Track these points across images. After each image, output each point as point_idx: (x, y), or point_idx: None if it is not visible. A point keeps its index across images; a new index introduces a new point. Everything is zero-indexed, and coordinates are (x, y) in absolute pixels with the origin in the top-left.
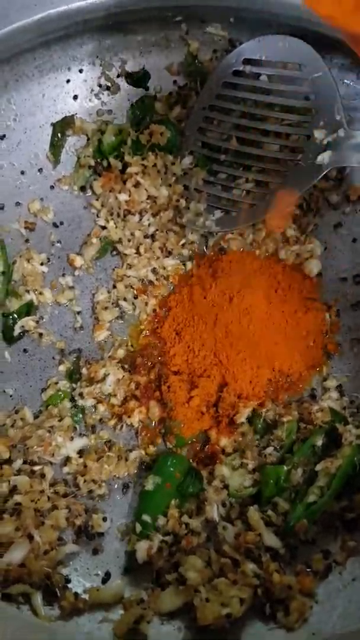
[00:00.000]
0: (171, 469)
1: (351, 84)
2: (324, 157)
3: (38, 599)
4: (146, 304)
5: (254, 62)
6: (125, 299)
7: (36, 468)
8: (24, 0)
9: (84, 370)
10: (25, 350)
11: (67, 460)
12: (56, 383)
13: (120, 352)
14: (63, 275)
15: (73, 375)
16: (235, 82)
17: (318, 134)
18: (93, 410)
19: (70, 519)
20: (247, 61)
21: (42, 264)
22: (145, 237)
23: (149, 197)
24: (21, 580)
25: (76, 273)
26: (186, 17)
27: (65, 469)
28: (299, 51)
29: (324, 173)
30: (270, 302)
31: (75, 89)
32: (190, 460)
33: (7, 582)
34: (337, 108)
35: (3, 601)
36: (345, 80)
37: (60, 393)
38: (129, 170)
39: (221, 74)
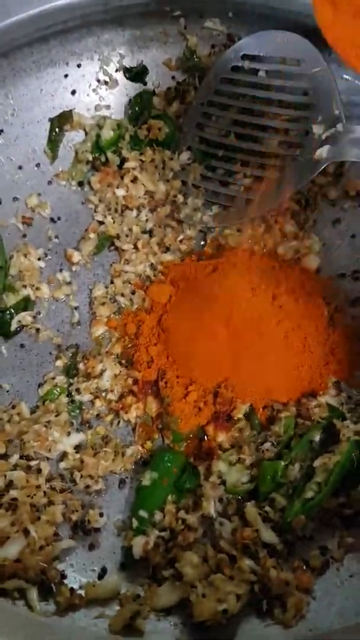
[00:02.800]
0: (168, 465)
1: (350, 79)
2: (322, 152)
3: (34, 594)
4: (144, 299)
5: (253, 57)
6: (122, 295)
7: (32, 463)
8: None
9: (81, 366)
10: (22, 346)
11: (63, 455)
12: (53, 378)
13: (118, 348)
14: (60, 270)
15: (70, 371)
16: (234, 78)
17: (316, 129)
18: (90, 405)
19: (67, 514)
20: (246, 56)
21: (39, 259)
22: (143, 232)
23: (146, 192)
24: (16, 576)
25: (73, 268)
26: (185, 12)
27: (62, 464)
28: (298, 46)
29: (322, 168)
30: (272, 300)
31: (74, 83)
32: (188, 456)
33: (2, 577)
34: (335, 103)
35: None
36: (344, 76)
37: (57, 388)
38: (126, 165)
39: (220, 70)
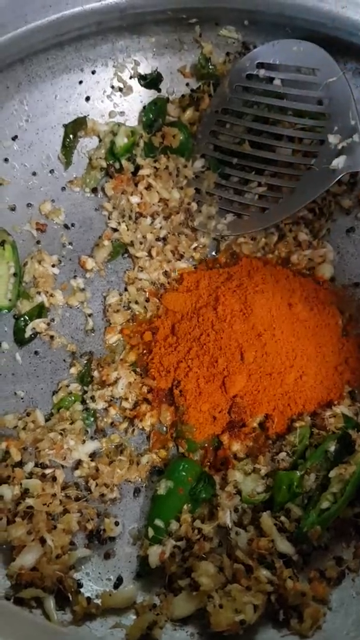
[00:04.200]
0: (183, 474)
1: None
2: (338, 162)
3: (51, 603)
4: (158, 307)
5: (268, 65)
6: (137, 302)
7: (47, 471)
8: (40, 0)
9: (95, 373)
10: (36, 353)
11: (78, 463)
12: (67, 386)
13: (132, 356)
14: (74, 277)
15: (84, 378)
16: (249, 86)
17: (332, 139)
18: (104, 413)
19: (82, 523)
20: (261, 65)
21: (53, 265)
22: (157, 239)
23: (160, 199)
24: (33, 584)
25: (87, 275)
26: (200, 19)
27: (77, 473)
28: (314, 55)
29: (338, 178)
30: (287, 311)
31: (88, 90)
32: (203, 465)
33: (19, 586)
34: (351, 113)
35: (16, 605)
36: None
37: (71, 396)
38: (140, 172)
39: (234, 77)
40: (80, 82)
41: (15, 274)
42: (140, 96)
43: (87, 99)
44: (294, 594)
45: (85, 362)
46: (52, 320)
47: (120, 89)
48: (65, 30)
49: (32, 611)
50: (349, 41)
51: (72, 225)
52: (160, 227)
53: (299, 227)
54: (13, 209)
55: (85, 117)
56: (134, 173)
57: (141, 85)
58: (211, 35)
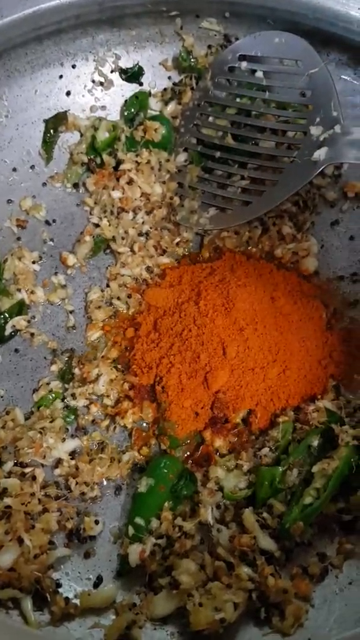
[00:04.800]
0: (165, 471)
1: (348, 79)
2: (320, 154)
3: (28, 604)
4: (140, 303)
5: (250, 58)
6: (119, 298)
7: (27, 470)
8: None
9: (76, 371)
10: (16, 350)
11: (58, 462)
12: (48, 384)
13: (114, 352)
14: (55, 273)
15: (65, 376)
16: (231, 79)
17: (314, 131)
18: (85, 411)
19: (62, 522)
20: (243, 57)
21: (33, 262)
22: (139, 235)
23: (142, 194)
24: (11, 585)
25: (69, 272)
26: (181, 12)
27: (57, 471)
28: (296, 47)
29: (320, 170)
30: (270, 305)
31: (68, 84)
32: (185, 462)
33: None
34: (334, 104)
35: None
36: (342, 76)
37: (52, 394)
38: (122, 167)
39: (216, 70)
40: (61, 76)
41: None
42: (122, 90)
43: (68, 93)
44: (275, 591)
45: (66, 359)
46: (33, 317)
47: (101, 83)
48: (43, 24)
49: (9, 612)
50: (331, 32)
51: (54, 221)
52: (143, 222)
53: (282, 220)
54: None
55: (66, 112)
56: (116, 168)
57: (122, 79)
58: (192, 27)
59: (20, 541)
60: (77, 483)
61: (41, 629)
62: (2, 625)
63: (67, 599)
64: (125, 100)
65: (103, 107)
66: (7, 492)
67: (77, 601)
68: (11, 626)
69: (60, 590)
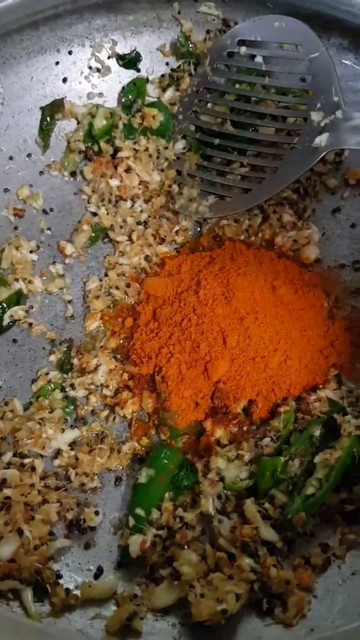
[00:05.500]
0: (165, 461)
1: (349, 64)
2: (321, 140)
3: (28, 595)
4: (139, 292)
5: (250, 43)
6: (117, 287)
7: (26, 461)
8: None
9: (75, 361)
10: (14, 341)
11: (58, 452)
12: (47, 374)
13: (113, 342)
14: (53, 263)
15: (64, 366)
16: (230, 64)
17: (315, 116)
18: (85, 401)
19: (62, 512)
20: (242, 42)
21: (31, 251)
22: (138, 223)
23: (140, 182)
24: (11, 576)
25: (67, 261)
26: None
27: (56, 462)
28: (296, 31)
29: (322, 156)
30: (271, 294)
31: (65, 71)
32: (185, 452)
33: None
34: (335, 89)
35: None
36: (344, 61)
37: (50, 384)
38: (120, 154)
39: (215, 55)
40: (57, 63)
41: None
42: (119, 76)
43: (64, 80)
44: (277, 582)
45: (65, 349)
46: (31, 307)
47: (98, 70)
48: (39, 9)
49: (10, 604)
50: (331, 15)
51: (51, 210)
52: (141, 211)
53: (283, 208)
54: None
55: (62, 99)
56: (113, 155)
57: (119, 65)
58: (190, 12)
59: (20, 532)
60: (76, 474)
61: (42, 620)
62: (3, 618)
63: (67, 590)
64: (123, 87)
65: (100, 94)
66: (7, 483)
67: (77, 592)
68: (12, 619)
69: (60, 581)
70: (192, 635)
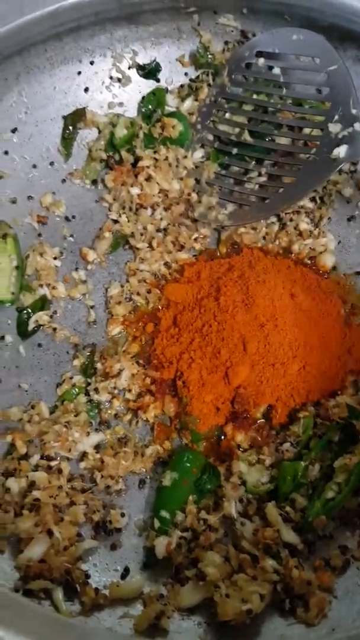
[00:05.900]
0: (187, 465)
1: None
2: (339, 151)
3: (59, 594)
4: (159, 298)
5: (268, 54)
6: (138, 293)
7: (53, 463)
8: None
9: (98, 365)
10: (39, 345)
11: (83, 455)
12: (71, 378)
13: (134, 347)
14: (76, 269)
15: (88, 370)
16: (248, 75)
17: (333, 128)
18: (108, 405)
19: (88, 514)
20: (260, 53)
21: (55, 258)
22: (158, 231)
23: (160, 190)
24: (42, 576)
25: (89, 267)
26: (198, 8)
27: (82, 465)
28: (314, 44)
29: (339, 168)
30: (290, 301)
31: (87, 81)
32: (207, 456)
33: (27, 578)
34: (352, 101)
35: (25, 597)
36: None
37: (75, 388)
38: (140, 163)
39: (233, 66)
40: (79, 73)
41: (17, 267)
42: (139, 87)
43: (86, 90)
44: (299, 583)
45: (88, 354)
46: (55, 312)
47: (119, 80)
48: (63, 21)
49: (41, 602)
50: (348, 28)
51: (73, 217)
52: (161, 218)
53: (299, 216)
54: (14, 201)
55: (84, 108)
56: (134, 164)
57: (140, 75)
58: (210, 23)
59: (50, 533)
60: (102, 476)
61: (72, 619)
62: (37, 613)
63: (96, 590)
64: (143, 97)
65: (121, 104)
66: (35, 485)
67: (106, 592)
68: (44, 614)
69: (89, 581)
70: (217, 634)
